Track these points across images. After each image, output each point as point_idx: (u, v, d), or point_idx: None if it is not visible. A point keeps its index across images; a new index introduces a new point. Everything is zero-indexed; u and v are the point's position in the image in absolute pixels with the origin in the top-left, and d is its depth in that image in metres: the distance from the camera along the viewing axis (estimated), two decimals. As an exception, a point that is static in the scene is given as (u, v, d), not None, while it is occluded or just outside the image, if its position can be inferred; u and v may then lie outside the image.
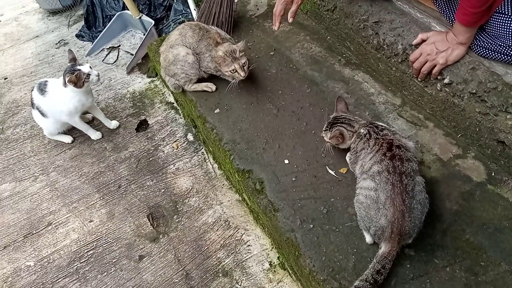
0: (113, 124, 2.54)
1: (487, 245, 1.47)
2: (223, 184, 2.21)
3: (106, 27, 3.15)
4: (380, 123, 1.59)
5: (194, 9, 2.78)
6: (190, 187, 2.22)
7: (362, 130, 1.57)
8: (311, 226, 1.62)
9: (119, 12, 3.16)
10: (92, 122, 2.58)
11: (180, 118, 2.59)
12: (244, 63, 1.96)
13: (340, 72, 2.15)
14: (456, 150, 1.75)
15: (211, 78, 2.20)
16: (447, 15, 1.71)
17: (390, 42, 1.89)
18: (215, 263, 1.94)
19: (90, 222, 2.14)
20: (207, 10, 2.47)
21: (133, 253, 2.01)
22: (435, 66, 1.70)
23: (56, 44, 3.30)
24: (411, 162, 1.41)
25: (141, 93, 2.80)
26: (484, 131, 1.64)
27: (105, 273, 1.94)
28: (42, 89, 2.21)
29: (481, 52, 1.60)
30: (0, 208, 2.24)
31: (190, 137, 2.47)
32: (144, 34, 3.11)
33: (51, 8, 3.56)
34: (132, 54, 3.04)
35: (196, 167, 2.31)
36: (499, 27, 1.48)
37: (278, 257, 1.90)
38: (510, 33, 1.45)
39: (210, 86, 2.20)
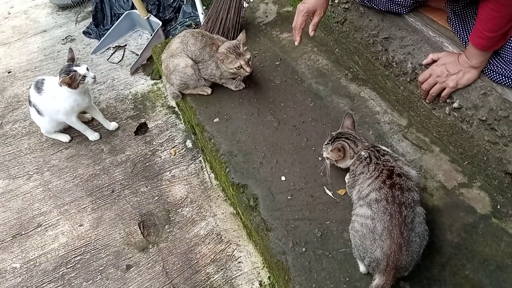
0: (112, 125, 2.49)
1: (488, 283, 1.38)
2: (218, 196, 2.15)
3: (113, 26, 3.11)
4: (383, 148, 1.51)
5: (202, 13, 2.72)
6: (185, 196, 2.16)
7: (363, 153, 1.49)
8: (304, 249, 1.55)
9: (127, 11, 3.12)
10: (91, 123, 2.54)
11: (181, 123, 2.53)
12: (249, 59, 1.90)
13: (346, 87, 2.07)
14: (462, 178, 1.66)
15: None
16: (461, 36, 1.63)
17: (400, 60, 1.81)
18: (203, 278, 1.87)
19: (80, 226, 2.09)
20: (214, 15, 2.41)
21: (121, 262, 1.95)
22: (444, 88, 1.62)
23: (63, 40, 3.27)
24: (412, 192, 1.33)
25: (143, 95, 2.74)
26: (492, 161, 1.55)
27: (91, 281, 1.88)
28: (39, 87, 2.16)
29: (494, 77, 1.51)
30: (-9, 205, 2.20)
31: (189, 143, 2.41)
32: (151, 35, 3.06)
33: (61, 3, 3.53)
34: (137, 55, 3.00)
35: (193, 175, 2.25)
36: (514, 53, 1.39)
37: (269, 277, 1.83)
38: (525, 60, 1.36)
39: (205, 90, 2.15)
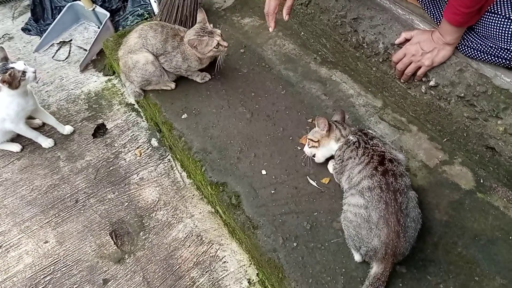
0: (67, 129, 2.29)
1: (480, 258, 1.40)
2: (193, 195, 2.04)
3: (55, 20, 2.85)
4: (370, 131, 1.47)
5: (155, 1, 2.54)
6: (157, 199, 2.03)
7: (351, 137, 1.45)
8: (295, 244, 1.50)
9: (70, 3, 2.86)
10: (43, 128, 2.32)
11: (143, 121, 2.38)
12: (220, 33, 1.82)
13: (317, 72, 2.02)
14: (442, 156, 1.66)
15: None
16: (431, 12, 1.61)
17: (371, 40, 1.77)
18: (188, 283, 1.77)
19: (45, 243, 1.91)
20: (169, 2, 2.26)
21: (96, 277, 1.81)
22: (420, 67, 1.60)
23: (-1, 38, 2.97)
24: (404, 177, 1.30)
25: (97, 93, 2.55)
26: (472, 136, 1.56)
27: (65, 302, 1.74)
28: (-24, 96, 1.93)
29: (469, 53, 1.51)
30: None
31: (155, 142, 2.27)
32: (98, 27, 2.84)
33: (-8, -2, 3.20)
34: (85, 50, 2.77)
35: (163, 176, 2.12)
36: (491, 27, 1.38)
37: (257, 273, 1.77)
38: (502, 34, 1.36)
39: (168, 85, 2.03)
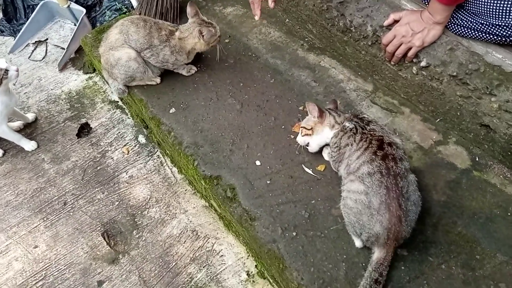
0: (30, 116, 2.28)
1: (481, 236, 1.40)
2: (185, 190, 2.00)
3: (29, 19, 2.75)
4: (365, 116, 1.45)
5: (133, -6, 2.47)
6: (148, 197, 1.99)
7: (347, 124, 1.42)
8: (294, 234, 1.47)
9: (43, 1, 2.76)
10: (24, 131, 2.24)
11: (128, 118, 2.31)
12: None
13: (305, 58, 1.99)
14: (436, 136, 1.66)
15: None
16: (419, -8, 1.59)
17: (358, 23, 1.74)
18: (186, 280, 1.74)
19: (35, 248, 1.85)
20: (148, -5, 2.19)
21: (90, 279, 1.76)
22: (410, 48, 1.58)
23: (-30, 41, 2.85)
24: (403, 161, 1.29)
25: (78, 92, 2.47)
26: (466, 115, 1.56)
27: (60, 307, 1.69)
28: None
29: (459, 31, 1.49)
30: None
31: (142, 139, 2.22)
32: (75, 25, 2.75)
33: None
34: (63, 48, 2.68)
35: (153, 172, 2.07)
36: (481, 4, 1.37)
37: (256, 265, 1.74)
38: (493, 10, 1.35)
39: (154, 79, 1.98)
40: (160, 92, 1.95)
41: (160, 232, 1.88)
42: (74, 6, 2.71)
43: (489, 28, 1.39)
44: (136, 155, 2.15)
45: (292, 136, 1.71)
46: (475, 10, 1.41)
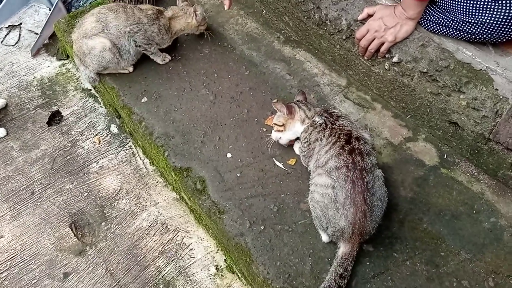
0: (0, 103, 2.21)
1: (446, 233, 1.41)
2: (157, 182, 1.97)
3: (2, 2, 2.66)
4: (335, 111, 1.44)
5: (109, -21, 2.41)
6: (119, 188, 1.95)
7: (317, 119, 1.41)
8: (262, 227, 1.46)
9: (17, -16, 2.68)
10: (-8, 118, 2.18)
11: (100, 107, 2.26)
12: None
13: (280, 51, 1.97)
14: (406, 133, 1.66)
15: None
16: (393, -13, 1.58)
17: (333, 17, 1.73)
18: (154, 273, 1.72)
19: (0, 238, 1.80)
20: (124, -20, 2.14)
21: (56, 271, 1.72)
22: (383, 43, 1.58)
23: None
24: (370, 156, 1.29)
25: (50, 79, 2.41)
26: (435, 112, 1.57)
27: (24, 298, 1.65)
28: None
29: (431, 27, 1.49)
30: None
31: (114, 129, 2.17)
32: (49, 10, 2.67)
33: None
34: (36, 34, 2.61)
35: (124, 163, 2.04)
36: (452, 1, 1.37)
37: (225, 259, 1.73)
38: (464, 7, 1.35)
39: (126, 68, 1.94)
40: (132, 81, 1.92)
41: (129, 224, 1.85)
42: (49, -10, 2.63)
43: (460, 25, 1.39)
44: (107, 145, 2.11)
45: (265, 129, 1.70)
46: (446, 7, 1.41)
